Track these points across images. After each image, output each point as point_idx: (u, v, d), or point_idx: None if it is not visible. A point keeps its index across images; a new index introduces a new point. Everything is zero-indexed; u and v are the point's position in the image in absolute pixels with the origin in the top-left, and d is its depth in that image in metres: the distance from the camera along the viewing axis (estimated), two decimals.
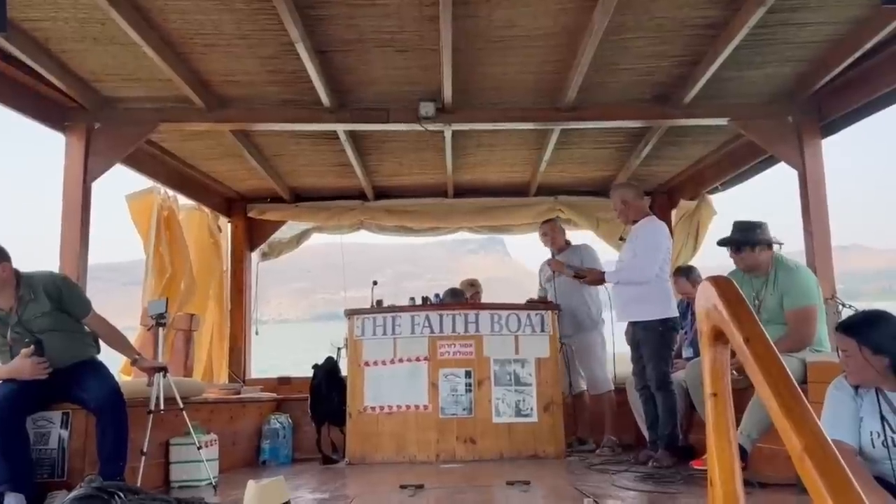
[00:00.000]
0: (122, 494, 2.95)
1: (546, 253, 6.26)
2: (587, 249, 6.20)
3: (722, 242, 4.47)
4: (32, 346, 3.68)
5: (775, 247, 4.40)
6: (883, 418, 2.61)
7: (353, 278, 8.03)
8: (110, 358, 4.22)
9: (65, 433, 3.78)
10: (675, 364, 5.47)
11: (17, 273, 3.81)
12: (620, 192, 5.26)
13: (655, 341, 4.87)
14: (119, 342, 4.17)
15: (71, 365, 3.87)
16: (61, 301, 3.88)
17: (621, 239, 5.26)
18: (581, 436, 5.93)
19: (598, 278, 5.27)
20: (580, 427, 6.00)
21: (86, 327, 4.05)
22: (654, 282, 4.92)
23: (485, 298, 7.06)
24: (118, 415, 3.79)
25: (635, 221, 5.15)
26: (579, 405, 6.04)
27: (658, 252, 5.00)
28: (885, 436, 2.59)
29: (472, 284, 7.08)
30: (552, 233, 6.22)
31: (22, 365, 3.66)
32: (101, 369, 4.00)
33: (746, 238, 4.33)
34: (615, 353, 5.97)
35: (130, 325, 5.87)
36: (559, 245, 6.21)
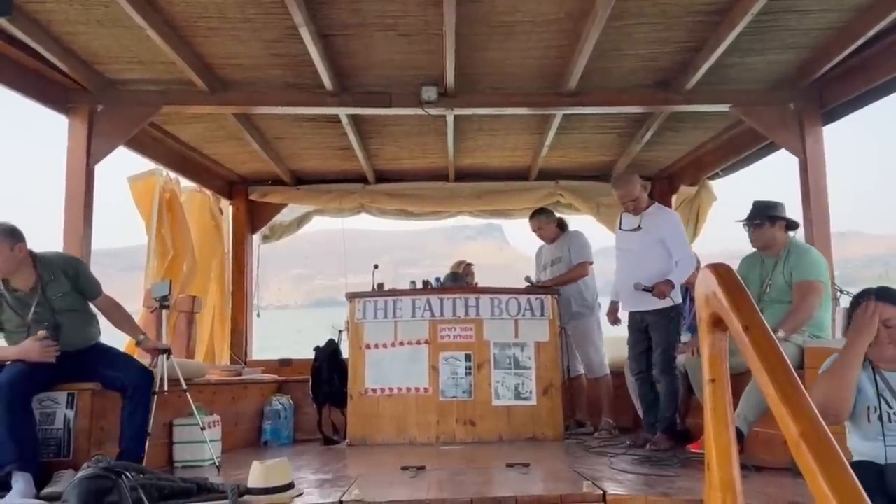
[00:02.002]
0: (129, 474, 3.00)
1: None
2: (576, 237, 6.22)
3: (743, 218, 4.53)
4: (46, 330, 3.72)
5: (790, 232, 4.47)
6: (880, 395, 2.66)
7: (352, 265, 8.05)
8: (111, 339, 4.29)
9: (70, 413, 3.82)
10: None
11: (31, 253, 3.88)
12: (636, 181, 5.19)
13: (667, 327, 4.92)
14: (127, 323, 4.27)
15: (84, 347, 3.97)
16: (77, 281, 3.98)
17: (638, 228, 5.09)
18: (579, 419, 5.99)
19: (668, 288, 4.86)
20: (578, 410, 6.06)
21: (92, 309, 4.11)
22: (670, 270, 4.94)
23: (483, 284, 7.10)
24: (148, 394, 3.95)
25: (643, 209, 5.16)
26: (577, 388, 6.09)
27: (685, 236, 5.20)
28: (880, 410, 2.63)
29: (460, 263, 7.20)
30: (540, 229, 6.34)
31: (31, 346, 3.70)
32: (118, 351, 4.18)
33: (764, 213, 4.42)
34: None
35: (131, 309, 5.90)
36: (550, 237, 6.34)
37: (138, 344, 4.30)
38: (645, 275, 4.95)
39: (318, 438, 5.79)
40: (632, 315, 5.18)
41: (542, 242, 6.49)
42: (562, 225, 6.40)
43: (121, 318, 4.21)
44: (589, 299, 6.13)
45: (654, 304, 4.90)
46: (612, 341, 6.17)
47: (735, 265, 4.38)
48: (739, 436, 3.99)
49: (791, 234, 4.50)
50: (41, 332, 3.70)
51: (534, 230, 6.41)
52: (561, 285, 5.99)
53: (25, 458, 3.49)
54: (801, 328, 4.13)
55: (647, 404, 5.09)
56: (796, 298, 4.21)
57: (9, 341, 3.88)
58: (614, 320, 5.47)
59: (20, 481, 3.43)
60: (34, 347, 3.69)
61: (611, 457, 4.45)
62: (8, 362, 3.74)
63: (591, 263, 6.17)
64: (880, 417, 2.63)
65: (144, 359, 4.38)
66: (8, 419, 3.51)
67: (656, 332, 4.95)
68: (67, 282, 3.94)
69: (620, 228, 5.25)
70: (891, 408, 2.63)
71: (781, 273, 4.33)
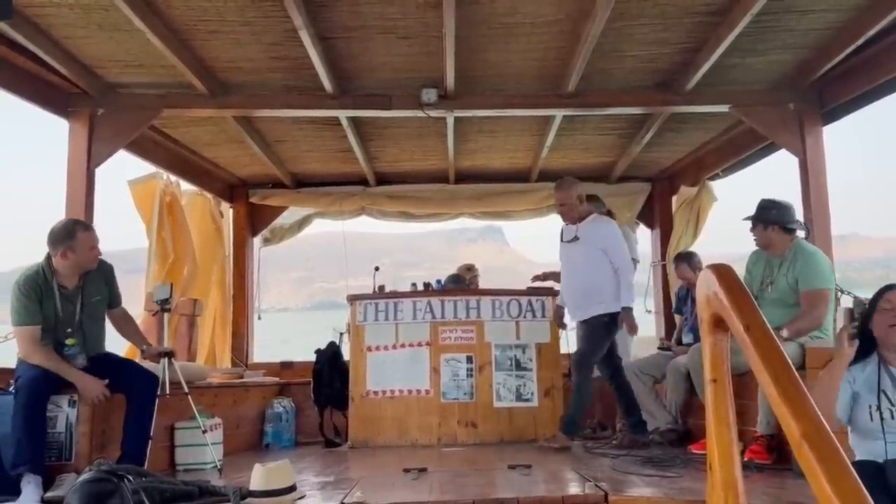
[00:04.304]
0: (130, 477, 3.00)
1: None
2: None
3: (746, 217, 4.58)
4: (73, 337, 3.84)
5: (800, 233, 4.47)
6: (881, 391, 2.66)
7: (353, 267, 8.06)
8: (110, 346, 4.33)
9: (73, 417, 3.81)
10: (675, 350, 5.52)
11: None
12: (576, 189, 5.23)
13: (593, 330, 5.04)
14: (136, 334, 4.41)
15: (95, 354, 4.03)
16: (111, 288, 4.15)
17: (575, 239, 5.16)
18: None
19: (630, 320, 5.08)
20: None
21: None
22: (610, 279, 5.06)
23: (483, 286, 7.08)
24: (154, 397, 3.99)
25: (580, 219, 5.21)
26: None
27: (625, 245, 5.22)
28: (881, 408, 2.63)
29: (470, 269, 7.13)
30: (567, 203, 5.32)
31: (93, 385, 3.76)
32: (121, 356, 4.30)
33: (759, 216, 4.45)
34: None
35: (132, 313, 5.89)
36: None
37: (142, 352, 4.32)
38: (590, 285, 5.07)
39: (319, 441, 5.79)
40: (578, 325, 5.25)
41: (543, 244, 6.40)
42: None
43: (132, 329, 4.38)
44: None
45: (593, 312, 5.04)
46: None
47: (736, 266, 4.37)
48: (770, 439, 4.00)
49: (800, 234, 4.50)
50: (103, 392, 3.79)
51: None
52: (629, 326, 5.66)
53: (37, 460, 3.49)
54: (807, 334, 4.13)
55: (623, 406, 5.18)
56: (805, 306, 4.20)
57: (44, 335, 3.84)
58: (561, 323, 5.58)
59: (32, 483, 3.42)
60: (96, 387, 3.75)
61: (613, 458, 4.45)
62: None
63: None
64: (881, 416, 2.63)
65: (146, 365, 4.39)
66: (26, 420, 3.51)
67: (582, 332, 5.10)
68: (105, 287, 4.10)
69: (561, 240, 5.31)
70: (892, 405, 2.63)
71: (785, 276, 4.31)
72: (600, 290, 5.05)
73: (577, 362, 5.03)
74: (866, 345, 2.80)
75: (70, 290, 3.92)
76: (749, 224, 4.54)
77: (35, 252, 4.06)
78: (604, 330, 5.04)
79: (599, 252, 5.08)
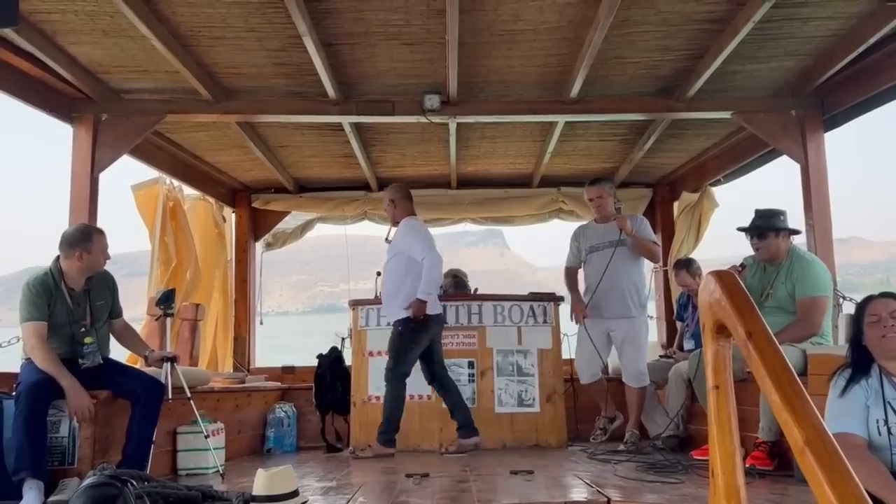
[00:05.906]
0: (133, 482, 3.00)
1: (577, 224, 5.95)
2: (642, 219, 5.58)
3: (745, 228, 4.50)
4: (88, 336, 3.89)
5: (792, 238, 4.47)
6: (887, 403, 2.63)
7: (353, 269, 8.08)
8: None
9: (76, 421, 3.82)
10: (675, 356, 5.52)
11: None
12: (390, 193, 5.43)
13: (395, 341, 5.09)
14: (138, 343, 4.44)
15: (104, 357, 4.06)
16: (113, 297, 4.21)
17: (387, 241, 5.46)
18: (607, 415, 5.63)
19: (418, 309, 4.98)
20: (608, 406, 5.64)
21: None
22: (406, 284, 5.08)
23: (484, 291, 7.05)
24: (160, 403, 4.00)
25: (397, 223, 5.38)
26: (611, 387, 5.65)
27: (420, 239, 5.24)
28: (888, 422, 2.60)
29: (456, 275, 6.98)
30: (600, 197, 5.49)
31: (81, 396, 3.72)
32: (126, 364, 4.37)
33: (771, 224, 4.40)
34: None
35: (133, 316, 5.91)
36: (605, 213, 5.49)
37: (145, 358, 4.33)
38: (391, 288, 5.17)
39: (321, 446, 5.80)
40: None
41: (543, 248, 6.32)
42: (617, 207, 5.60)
43: (133, 339, 4.41)
44: (642, 297, 5.48)
45: (393, 315, 5.13)
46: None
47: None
48: (772, 445, 3.98)
49: (792, 240, 4.51)
50: (90, 409, 3.76)
51: (592, 198, 5.52)
52: (639, 244, 5.31)
53: (39, 465, 3.49)
54: (800, 342, 4.12)
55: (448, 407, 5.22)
56: (800, 313, 4.21)
57: (53, 335, 3.85)
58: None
59: (34, 488, 3.42)
60: (83, 401, 3.72)
61: (615, 464, 4.45)
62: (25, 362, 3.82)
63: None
64: (889, 430, 2.60)
65: (151, 372, 4.41)
66: (28, 424, 3.50)
67: (391, 341, 5.14)
68: (108, 294, 4.16)
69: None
70: None
71: (784, 283, 4.31)
72: (396, 294, 5.10)
73: (386, 371, 5.12)
74: (864, 360, 2.76)
75: (78, 293, 3.97)
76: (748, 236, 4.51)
77: (33, 255, 4.09)
78: (398, 337, 5.07)
79: (399, 256, 5.17)
